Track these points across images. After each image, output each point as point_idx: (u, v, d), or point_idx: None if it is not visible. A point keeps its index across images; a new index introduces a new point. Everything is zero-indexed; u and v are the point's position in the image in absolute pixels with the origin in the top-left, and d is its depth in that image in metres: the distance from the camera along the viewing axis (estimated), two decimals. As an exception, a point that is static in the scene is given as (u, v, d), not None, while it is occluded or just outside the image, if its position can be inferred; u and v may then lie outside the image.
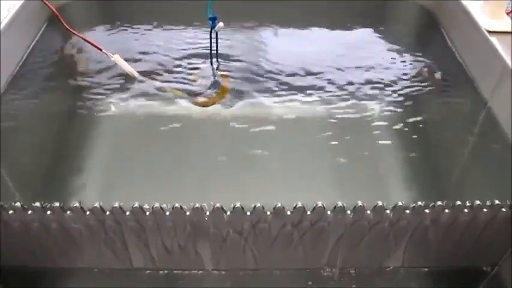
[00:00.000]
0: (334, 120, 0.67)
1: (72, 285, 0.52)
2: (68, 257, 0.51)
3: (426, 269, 0.53)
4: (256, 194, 0.57)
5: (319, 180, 0.59)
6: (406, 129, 0.66)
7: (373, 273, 0.52)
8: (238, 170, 0.60)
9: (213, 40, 0.71)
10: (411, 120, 0.67)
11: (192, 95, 0.69)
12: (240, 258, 0.51)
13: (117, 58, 0.65)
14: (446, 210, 0.46)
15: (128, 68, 0.67)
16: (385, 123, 0.66)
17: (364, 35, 0.83)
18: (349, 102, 0.69)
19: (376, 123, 0.67)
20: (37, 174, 0.59)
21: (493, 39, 0.63)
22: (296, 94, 0.70)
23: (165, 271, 0.52)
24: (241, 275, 0.52)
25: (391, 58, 0.77)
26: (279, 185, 0.58)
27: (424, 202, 0.46)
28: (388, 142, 0.64)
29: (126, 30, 0.81)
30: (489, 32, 0.64)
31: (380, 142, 0.64)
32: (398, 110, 0.69)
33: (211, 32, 0.69)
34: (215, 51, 0.73)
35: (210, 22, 0.66)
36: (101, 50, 0.65)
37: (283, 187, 0.58)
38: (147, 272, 0.52)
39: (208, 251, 0.50)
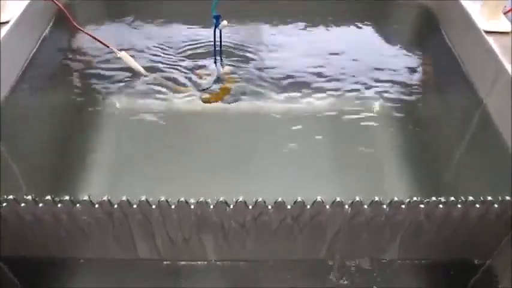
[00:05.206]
0: (334, 117, 0.68)
1: (80, 274, 0.54)
2: (77, 247, 0.52)
3: (421, 262, 0.54)
4: (257, 188, 0.58)
5: (319, 174, 0.61)
6: (404, 126, 0.67)
7: (370, 265, 0.54)
8: (240, 164, 0.62)
9: (217, 38, 0.73)
10: (408, 117, 0.68)
11: (196, 91, 0.71)
12: (241, 250, 0.52)
13: (123, 55, 0.66)
14: (441, 206, 0.48)
15: (135, 64, 0.68)
16: (383, 120, 0.68)
17: (364, 32, 0.84)
18: (348, 100, 0.71)
19: (374, 120, 0.68)
20: (45, 169, 0.60)
21: (490, 39, 0.64)
22: (297, 91, 0.72)
23: (170, 262, 0.53)
24: (242, 266, 0.54)
25: (390, 56, 0.79)
26: (279, 179, 0.60)
27: (419, 198, 0.47)
28: (386, 139, 0.65)
29: (132, 27, 0.83)
30: (486, 32, 0.65)
31: (378, 138, 0.66)
32: (396, 107, 0.70)
33: (215, 30, 0.71)
34: (219, 49, 0.74)
35: (214, 20, 0.68)
36: (108, 46, 0.66)
37: (283, 181, 0.60)
38: (153, 262, 0.53)
39: (212, 242, 0.51)
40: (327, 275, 0.54)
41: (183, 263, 0.54)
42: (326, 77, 0.74)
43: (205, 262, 0.54)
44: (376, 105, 0.70)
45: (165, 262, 0.54)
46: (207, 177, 0.60)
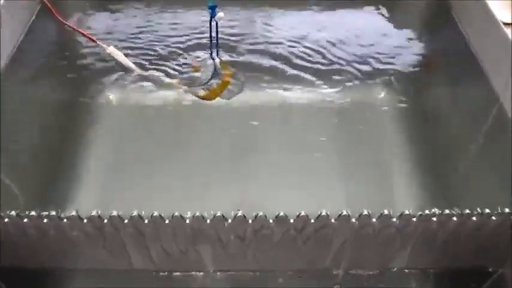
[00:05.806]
0: (337, 110, 0.65)
1: (72, 285, 0.52)
2: (67, 258, 0.50)
3: (431, 270, 0.52)
4: (257, 187, 0.57)
5: (322, 174, 0.59)
6: (414, 122, 0.64)
7: (377, 274, 0.52)
8: (239, 163, 0.59)
9: (213, 29, 0.69)
10: (419, 113, 0.66)
11: (192, 87, 0.67)
12: (241, 261, 0.50)
13: (112, 50, 0.63)
14: (454, 218, 0.45)
15: (124, 60, 0.65)
16: (390, 115, 0.65)
17: (374, 20, 0.79)
18: (352, 91, 0.68)
19: (380, 114, 0.65)
20: (35, 169, 0.58)
21: (508, 31, 0.61)
22: (298, 84, 0.68)
23: (165, 272, 0.52)
24: (242, 276, 0.52)
25: (402, 46, 0.74)
26: (280, 179, 0.58)
27: (431, 210, 0.45)
28: (395, 135, 0.63)
29: (121, 16, 0.77)
30: (505, 24, 0.61)
31: (383, 135, 0.63)
32: (407, 102, 0.67)
33: (211, 21, 0.67)
34: (215, 41, 0.70)
35: (210, 11, 0.64)
36: (95, 41, 0.62)
37: (285, 182, 0.58)
38: (147, 273, 0.51)
39: (209, 254, 0.49)
40: (331, 284, 0.52)
41: (179, 273, 0.52)
42: (329, 66, 0.71)
43: (202, 272, 0.52)
44: (383, 99, 0.67)
45: (160, 273, 0.52)
46: (204, 176, 0.58)
